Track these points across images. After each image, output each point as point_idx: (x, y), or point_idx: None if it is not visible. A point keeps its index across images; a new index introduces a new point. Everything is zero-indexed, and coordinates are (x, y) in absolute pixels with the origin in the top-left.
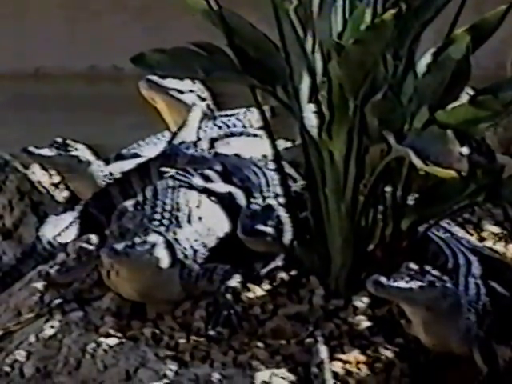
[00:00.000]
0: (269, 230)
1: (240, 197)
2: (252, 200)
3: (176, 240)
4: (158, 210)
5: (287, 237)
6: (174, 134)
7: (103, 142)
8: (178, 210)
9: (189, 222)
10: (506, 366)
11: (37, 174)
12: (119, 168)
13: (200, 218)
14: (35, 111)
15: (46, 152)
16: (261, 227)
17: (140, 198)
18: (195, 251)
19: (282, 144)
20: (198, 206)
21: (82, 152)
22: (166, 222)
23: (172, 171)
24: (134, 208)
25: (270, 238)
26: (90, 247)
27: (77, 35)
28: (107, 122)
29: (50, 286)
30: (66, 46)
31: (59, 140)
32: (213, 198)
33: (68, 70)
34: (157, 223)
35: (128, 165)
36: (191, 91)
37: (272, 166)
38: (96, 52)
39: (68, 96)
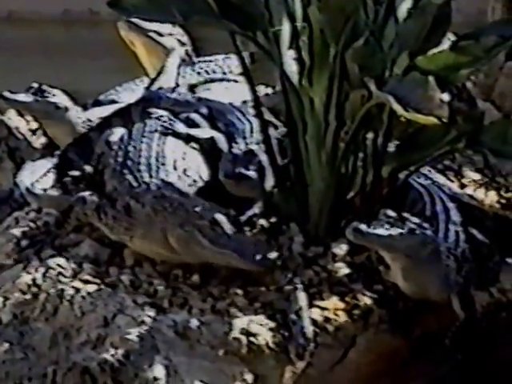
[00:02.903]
0: (251, 173)
1: (222, 142)
2: (234, 145)
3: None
4: (144, 153)
5: (268, 183)
6: (153, 80)
7: (79, 88)
8: (164, 156)
9: (175, 169)
10: (483, 311)
11: (13, 119)
12: (97, 114)
13: (184, 170)
14: (9, 56)
15: (22, 98)
16: (242, 171)
17: (126, 134)
18: None
19: (261, 90)
20: (183, 158)
21: (59, 98)
22: (154, 167)
23: (158, 113)
24: (118, 146)
25: (251, 182)
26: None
27: None
28: (83, 67)
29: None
30: None
31: (35, 85)
32: (195, 146)
33: (42, 14)
34: (143, 167)
35: (106, 111)
36: (171, 34)
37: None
38: None
39: (43, 41)
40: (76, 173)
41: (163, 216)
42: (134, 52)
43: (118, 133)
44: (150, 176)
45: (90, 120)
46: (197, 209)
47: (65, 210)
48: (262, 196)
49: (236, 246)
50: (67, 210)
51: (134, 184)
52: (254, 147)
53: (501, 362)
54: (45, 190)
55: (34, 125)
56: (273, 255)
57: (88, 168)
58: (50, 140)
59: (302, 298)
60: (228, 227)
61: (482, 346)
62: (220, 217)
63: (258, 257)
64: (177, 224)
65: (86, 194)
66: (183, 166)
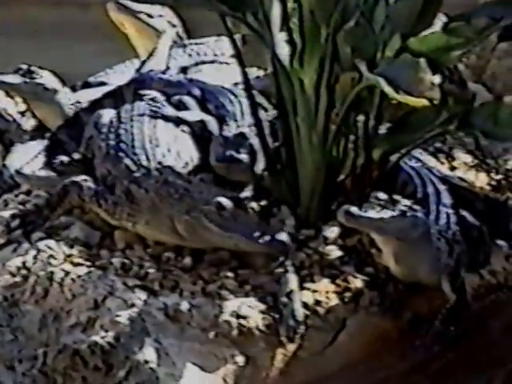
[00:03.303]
0: (242, 157)
1: (213, 125)
2: (225, 128)
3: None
4: (138, 136)
5: (259, 166)
6: (143, 62)
7: (69, 70)
8: (157, 139)
9: (169, 151)
10: (473, 294)
11: (2, 101)
12: (87, 96)
13: (178, 153)
14: None
15: (10, 79)
16: (234, 154)
17: (114, 117)
18: None
19: (253, 73)
20: (175, 141)
21: (48, 79)
22: (149, 150)
23: (150, 94)
24: (107, 129)
25: (242, 166)
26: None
27: None
28: (73, 48)
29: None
30: None
31: (24, 67)
32: (185, 129)
33: None
34: (139, 151)
35: (96, 93)
36: (161, 16)
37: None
38: None
39: (32, 22)
40: (65, 158)
41: (169, 203)
42: (124, 33)
43: (107, 115)
44: (148, 159)
45: (79, 102)
46: (202, 194)
47: (59, 194)
48: (252, 179)
49: (244, 229)
50: (61, 194)
51: (133, 168)
52: (245, 130)
53: (490, 344)
54: (34, 171)
55: (23, 106)
56: (282, 236)
57: (76, 154)
58: (39, 122)
59: (292, 280)
60: (234, 211)
61: (472, 327)
62: (225, 201)
63: (267, 238)
64: (183, 211)
65: (80, 178)
66: (176, 149)
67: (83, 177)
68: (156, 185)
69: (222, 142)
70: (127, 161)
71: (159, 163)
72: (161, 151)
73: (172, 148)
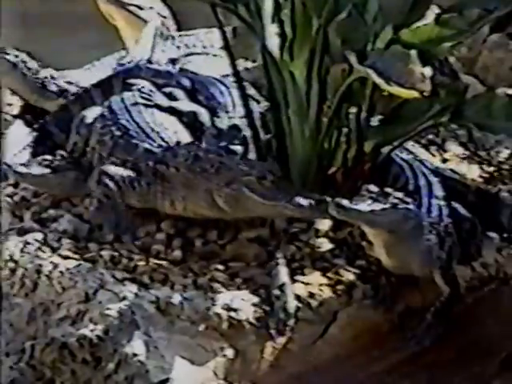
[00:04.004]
0: (236, 148)
1: (204, 116)
2: (216, 119)
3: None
4: (143, 124)
5: (251, 155)
6: (127, 52)
7: (56, 62)
8: (161, 125)
9: (175, 133)
10: (466, 286)
11: None
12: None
13: (178, 143)
14: None
15: None
16: (228, 145)
17: (106, 111)
18: None
19: (241, 64)
20: (175, 132)
21: (19, 57)
22: (162, 133)
23: (139, 84)
24: (102, 123)
25: (235, 157)
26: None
27: None
28: (61, 40)
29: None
30: None
31: None
32: (177, 118)
33: None
34: (153, 134)
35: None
36: (151, 8)
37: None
38: None
39: (20, 13)
40: (59, 155)
41: (204, 177)
42: (113, 25)
43: (91, 113)
44: (163, 140)
45: (53, 77)
46: (240, 166)
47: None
48: None
49: (287, 197)
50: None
51: (155, 150)
52: (237, 122)
53: (483, 335)
54: (26, 166)
55: (9, 99)
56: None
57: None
58: (23, 110)
59: (283, 273)
60: (274, 180)
61: (463, 320)
62: (264, 170)
63: (311, 203)
64: (223, 183)
65: (107, 167)
66: (176, 135)
67: (108, 166)
68: (186, 162)
69: (215, 133)
70: (145, 145)
71: (177, 143)
72: (169, 134)
73: (174, 133)
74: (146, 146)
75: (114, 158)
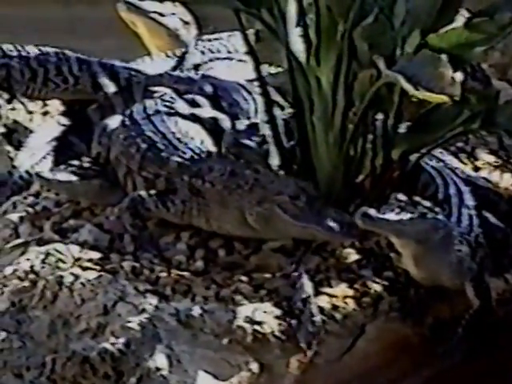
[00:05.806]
0: (252, 144)
1: (226, 123)
2: (237, 123)
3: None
4: (169, 135)
5: (274, 162)
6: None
7: None
8: (187, 135)
9: (202, 143)
10: (498, 299)
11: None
12: None
13: (209, 154)
14: (6, 34)
15: None
16: (245, 141)
17: (127, 120)
18: None
19: (265, 69)
20: (202, 141)
21: None
22: (191, 145)
23: (161, 91)
24: (125, 133)
25: (254, 153)
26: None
27: None
28: (84, 46)
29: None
30: None
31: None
32: (200, 126)
33: None
34: (181, 146)
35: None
36: (173, 14)
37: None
38: None
39: (41, 19)
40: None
41: (238, 194)
42: (135, 32)
43: (113, 121)
44: (194, 152)
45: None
46: (273, 184)
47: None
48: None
49: (319, 219)
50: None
51: (187, 163)
52: (257, 121)
53: None
54: (52, 172)
55: (31, 106)
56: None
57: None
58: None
59: (307, 285)
60: (308, 201)
61: (496, 335)
62: (298, 189)
63: (343, 228)
64: (255, 202)
65: (134, 194)
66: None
67: (137, 192)
68: (222, 177)
69: (233, 132)
70: (176, 158)
71: (208, 154)
72: (196, 144)
73: (201, 143)
74: (178, 159)
75: (145, 172)
